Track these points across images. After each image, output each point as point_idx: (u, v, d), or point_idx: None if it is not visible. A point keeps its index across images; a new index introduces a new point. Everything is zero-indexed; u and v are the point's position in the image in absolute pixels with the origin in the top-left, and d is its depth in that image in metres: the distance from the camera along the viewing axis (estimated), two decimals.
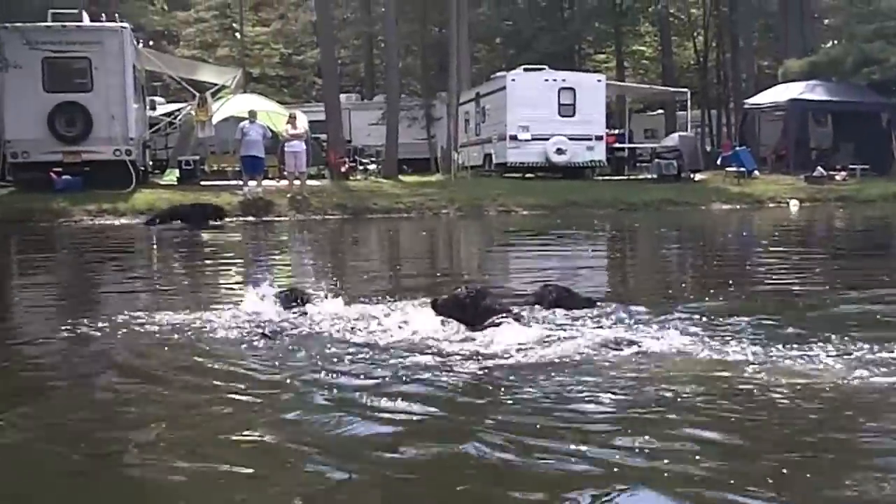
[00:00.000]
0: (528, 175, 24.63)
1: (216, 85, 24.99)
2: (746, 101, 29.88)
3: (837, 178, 23.51)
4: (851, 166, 24.37)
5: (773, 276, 8.55)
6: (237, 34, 41.37)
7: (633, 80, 41.43)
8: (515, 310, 5.18)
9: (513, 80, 24.63)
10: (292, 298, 5.79)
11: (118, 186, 18.97)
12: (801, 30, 32.34)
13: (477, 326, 4.85)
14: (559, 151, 24.11)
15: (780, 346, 4.47)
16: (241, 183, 19.87)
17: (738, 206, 20.38)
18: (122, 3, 33.48)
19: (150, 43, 33.04)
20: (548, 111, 24.05)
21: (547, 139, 24.03)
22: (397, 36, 27.84)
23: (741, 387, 3.86)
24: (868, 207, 20.06)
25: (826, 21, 38.18)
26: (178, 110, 27.73)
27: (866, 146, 25.61)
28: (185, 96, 29.13)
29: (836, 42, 35.10)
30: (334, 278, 7.87)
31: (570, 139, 24.10)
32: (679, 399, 3.70)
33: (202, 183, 21.88)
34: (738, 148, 25.68)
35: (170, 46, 42.76)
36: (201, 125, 22.46)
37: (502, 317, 4.87)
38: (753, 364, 4.17)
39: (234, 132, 21.50)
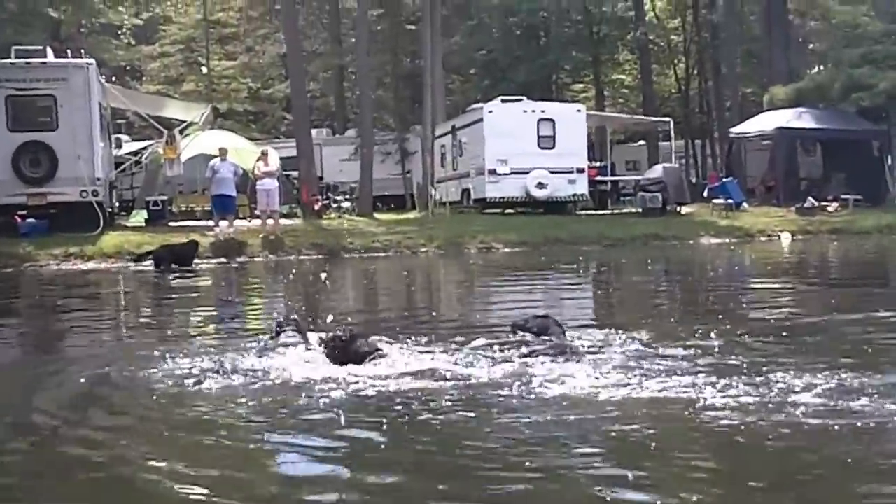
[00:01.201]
0: (508, 210, 24.90)
1: (184, 121, 25.17)
2: (732, 129, 30.45)
3: (829, 209, 23.93)
4: (843, 196, 24.73)
5: (765, 311, 8.81)
6: (203, 68, 41.72)
7: (613, 110, 42.13)
8: (386, 349, 5.65)
9: (490, 111, 24.93)
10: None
11: (85, 229, 18.98)
12: (786, 55, 33.09)
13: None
14: (540, 185, 24.39)
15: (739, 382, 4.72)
16: (211, 223, 19.97)
17: (727, 240, 20.71)
18: (84, 38, 33.83)
19: (114, 78, 33.22)
20: (527, 143, 24.33)
21: (527, 173, 24.31)
22: (369, 67, 28.21)
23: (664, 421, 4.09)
24: (863, 239, 20.47)
25: (811, 46, 39.10)
26: (144, 148, 27.85)
27: (858, 175, 26.00)
28: (151, 133, 29.30)
29: (822, 68, 35.96)
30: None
31: (551, 172, 24.38)
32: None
33: (171, 224, 21.97)
34: (724, 179, 26.12)
35: (133, 82, 43.04)
36: (170, 163, 22.57)
37: (374, 357, 5.37)
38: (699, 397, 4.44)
39: (203, 170, 21.65)
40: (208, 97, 36.88)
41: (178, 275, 14.90)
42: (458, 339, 6.36)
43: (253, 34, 42.56)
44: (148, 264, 16.03)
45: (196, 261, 16.50)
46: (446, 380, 5.06)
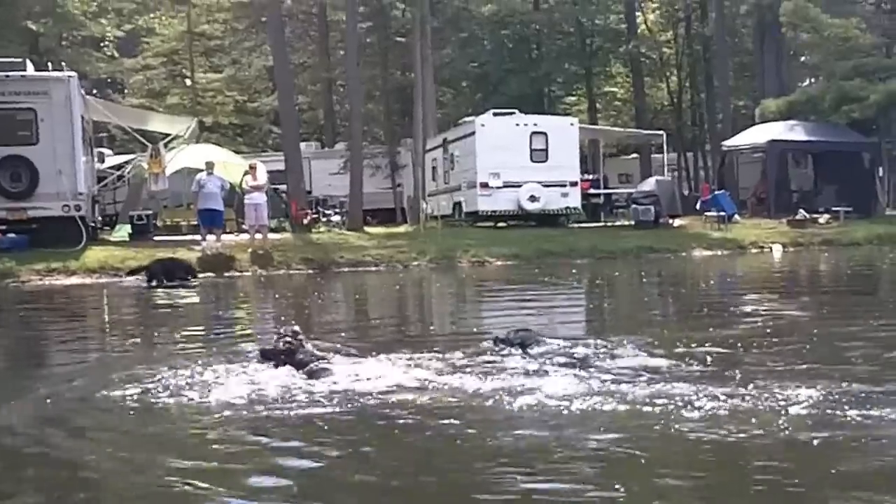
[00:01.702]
0: (500, 224, 25.14)
1: (168, 135, 25.32)
2: (724, 142, 30.88)
3: (820, 220, 24.32)
4: (834, 208, 25.17)
5: (755, 321, 9.04)
6: (188, 81, 41.86)
7: (605, 123, 42.58)
8: (331, 356, 6.03)
9: (482, 125, 25.25)
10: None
11: (67, 244, 19.05)
12: (777, 68, 33.58)
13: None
14: (532, 199, 24.69)
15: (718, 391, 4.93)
16: (197, 237, 20.09)
17: (719, 252, 21.02)
18: (65, 50, 33.99)
19: (94, 91, 33.39)
20: (519, 157, 24.67)
21: (519, 186, 24.62)
22: (358, 80, 28.46)
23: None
24: (853, 250, 20.81)
25: (803, 59, 39.62)
26: (127, 162, 27.91)
27: (849, 187, 26.50)
28: (134, 147, 29.40)
29: (813, 80, 36.53)
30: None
31: (544, 186, 24.71)
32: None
33: (156, 238, 22.05)
34: (717, 192, 26.47)
35: (115, 95, 43.14)
36: (154, 178, 22.68)
37: (317, 364, 5.78)
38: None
39: (188, 184, 21.74)
40: (193, 110, 37.03)
41: (170, 289, 15.01)
42: (447, 352, 6.54)
43: (238, 46, 42.75)
44: (140, 278, 16.12)
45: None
46: (423, 392, 5.26)
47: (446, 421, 4.62)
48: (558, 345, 6.58)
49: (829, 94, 28.59)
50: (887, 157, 30.12)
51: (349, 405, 5.01)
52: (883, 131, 29.73)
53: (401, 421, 4.70)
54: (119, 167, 27.64)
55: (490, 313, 11.06)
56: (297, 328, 6.89)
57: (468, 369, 5.85)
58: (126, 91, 45.58)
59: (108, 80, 44.64)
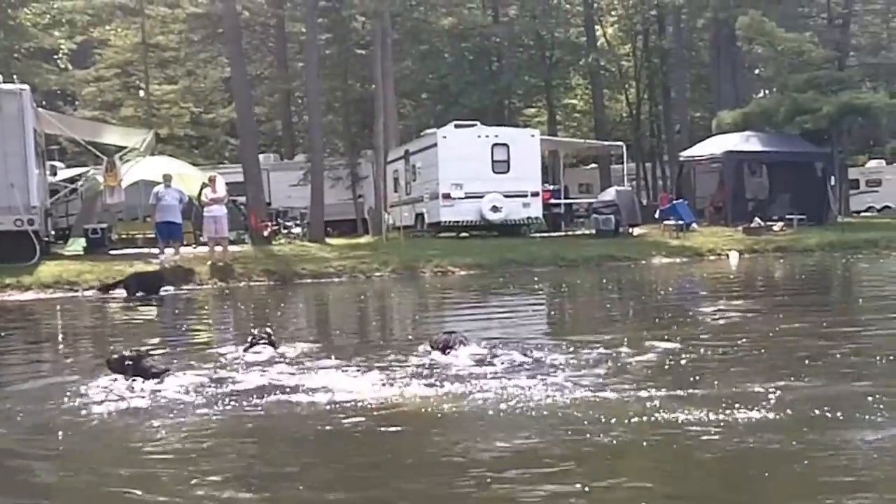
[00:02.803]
0: (462, 234, 25.43)
1: (123, 148, 25.21)
2: (681, 153, 31.61)
3: (775, 228, 25.00)
4: (788, 216, 25.95)
5: (713, 325, 9.41)
6: (142, 93, 41.63)
7: (564, 134, 43.16)
8: (173, 369, 6.52)
9: (444, 136, 25.57)
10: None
11: (20, 259, 18.88)
12: (733, 81, 34.43)
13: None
14: (494, 209, 25.05)
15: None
16: (154, 251, 20.05)
17: (678, 260, 21.51)
18: (16, 62, 33.64)
19: (44, 103, 33.08)
20: (481, 168, 25.04)
21: (481, 197, 24.97)
22: (318, 92, 28.61)
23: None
24: (807, 257, 21.45)
25: (757, 71, 40.65)
26: (80, 175, 27.75)
27: (802, 196, 27.33)
28: (86, 160, 29.21)
29: (768, 92, 37.46)
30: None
31: (506, 196, 25.09)
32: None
33: (111, 252, 21.94)
34: (675, 201, 27.11)
35: (66, 107, 42.73)
36: (110, 191, 22.56)
37: (162, 373, 6.32)
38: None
39: (143, 197, 21.67)
40: (147, 122, 36.82)
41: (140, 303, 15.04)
42: (383, 357, 7.08)
43: (194, 58, 42.64)
44: (119, 293, 16.08)
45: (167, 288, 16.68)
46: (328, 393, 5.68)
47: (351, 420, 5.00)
48: (487, 347, 7.13)
49: (783, 106, 29.44)
50: (839, 166, 31.07)
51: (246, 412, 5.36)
52: (835, 142, 30.69)
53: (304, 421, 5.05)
54: (72, 180, 27.48)
55: (448, 320, 11.28)
56: (269, 330, 7.30)
57: (389, 372, 6.35)
58: (77, 103, 45.15)
59: (59, 92, 44.18)
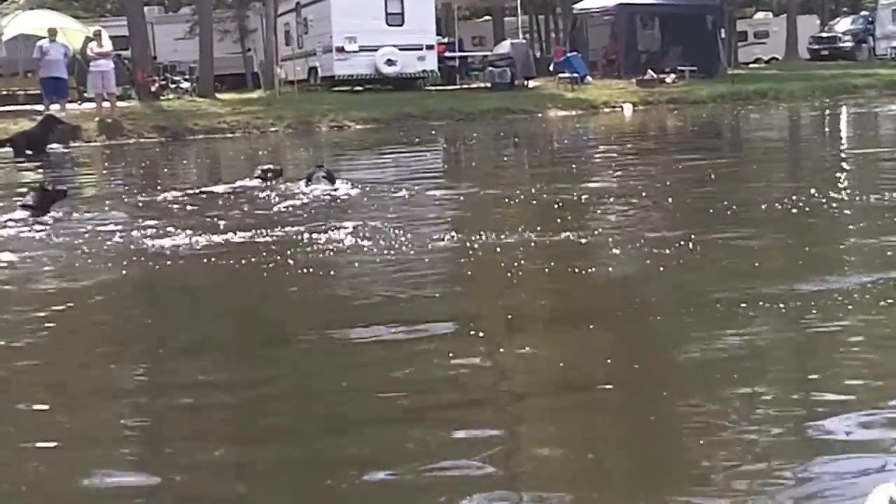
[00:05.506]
0: (357, 88, 25.17)
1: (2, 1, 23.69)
2: (574, 5, 31.56)
3: (667, 80, 25.58)
4: (680, 68, 26.50)
5: (610, 175, 9.88)
6: None
7: None
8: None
9: None
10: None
11: None
12: None
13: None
14: (389, 62, 24.78)
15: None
16: (39, 108, 19.27)
17: (573, 112, 21.93)
18: None
19: None
20: (375, 21, 24.58)
21: (376, 50, 24.61)
22: None
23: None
24: (699, 108, 22.16)
25: None
26: None
27: (693, 49, 27.82)
28: None
29: None
30: None
31: (400, 49, 24.79)
32: None
33: None
34: (569, 54, 27.30)
35: None
36: None
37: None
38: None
39: (23, 51, 20.64)
40: None
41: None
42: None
43: None
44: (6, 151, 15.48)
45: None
46: None
47: None
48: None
49: None
50: (728, 18, 31.64)
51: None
52: None
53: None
54: None
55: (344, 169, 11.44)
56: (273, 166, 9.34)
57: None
58: None
59: None
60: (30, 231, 6.84)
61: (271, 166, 9.55)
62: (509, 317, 4.21)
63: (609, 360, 3.53)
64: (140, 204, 8.56)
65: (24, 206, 7.32)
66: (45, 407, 3.31)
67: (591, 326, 4.04)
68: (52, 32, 19.05)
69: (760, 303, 4.08)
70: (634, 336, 3.93)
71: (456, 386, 3.31)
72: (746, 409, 2.96)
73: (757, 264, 4.97)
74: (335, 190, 8.25)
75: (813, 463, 2.55)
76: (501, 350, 3.76)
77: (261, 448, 2.88)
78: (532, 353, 3.73)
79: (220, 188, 9.18)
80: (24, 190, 8.45)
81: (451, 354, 3.59)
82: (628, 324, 4.06)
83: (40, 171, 13.37)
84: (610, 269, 5.09)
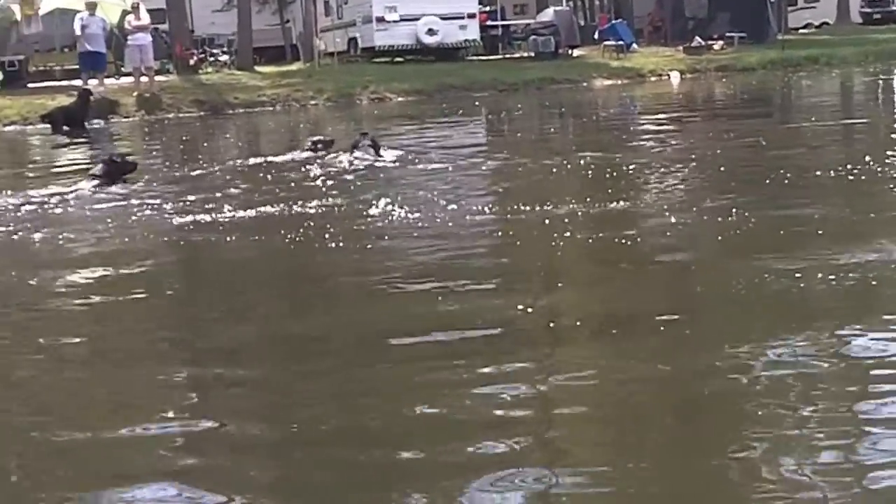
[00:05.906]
0: (397, 59, 24.91)
1: None
2: None
3: (715, 47, 24.93)
4: (728, 35, 25.80)
5: (659, 144, 9.57)
6: None
7: None
8: None
9: None
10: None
11: None
12: None
13: None
14: (430, 32, 24.43)
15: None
16: (76, 83, 19.30)
17: (619, 81, 21.48)
18: None
19: None
20: None
21: (417, 19, 24.27)
22: None
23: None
24: (748, 75, 21.57)
25: None
26: None
27: (742, 14, 27.04)
28: None
29: None
30: None
31: (442, 18, 24.42)
32: None
33: (29, 85, 21.08)
34: (614, 21, 26.76)
35: None
36: (27, 20, 21.45)
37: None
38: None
39: (60, 27, 20.68)
40: None
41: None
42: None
43: None
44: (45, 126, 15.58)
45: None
46: None
47: None
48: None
49: None
50: None
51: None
52: None
53: None
54: None
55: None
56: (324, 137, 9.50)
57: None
58: None
59: None
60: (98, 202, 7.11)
61: (321, 137, 9.90)
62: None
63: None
64: (195, 176, 8.82)
65: (92, 175, 7.50)
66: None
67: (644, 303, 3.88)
68: (92, 6, 18.99)
69: (819, 274, 4.01)
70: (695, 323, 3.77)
71: None
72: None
73: (820, 231, 4.81)
74: (381, 158, 8.48)
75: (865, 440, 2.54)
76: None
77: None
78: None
79: (276, 159, 9.45)
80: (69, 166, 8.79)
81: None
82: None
83: (80, 147, 13.40)
84: (663, 239, 4.94)
